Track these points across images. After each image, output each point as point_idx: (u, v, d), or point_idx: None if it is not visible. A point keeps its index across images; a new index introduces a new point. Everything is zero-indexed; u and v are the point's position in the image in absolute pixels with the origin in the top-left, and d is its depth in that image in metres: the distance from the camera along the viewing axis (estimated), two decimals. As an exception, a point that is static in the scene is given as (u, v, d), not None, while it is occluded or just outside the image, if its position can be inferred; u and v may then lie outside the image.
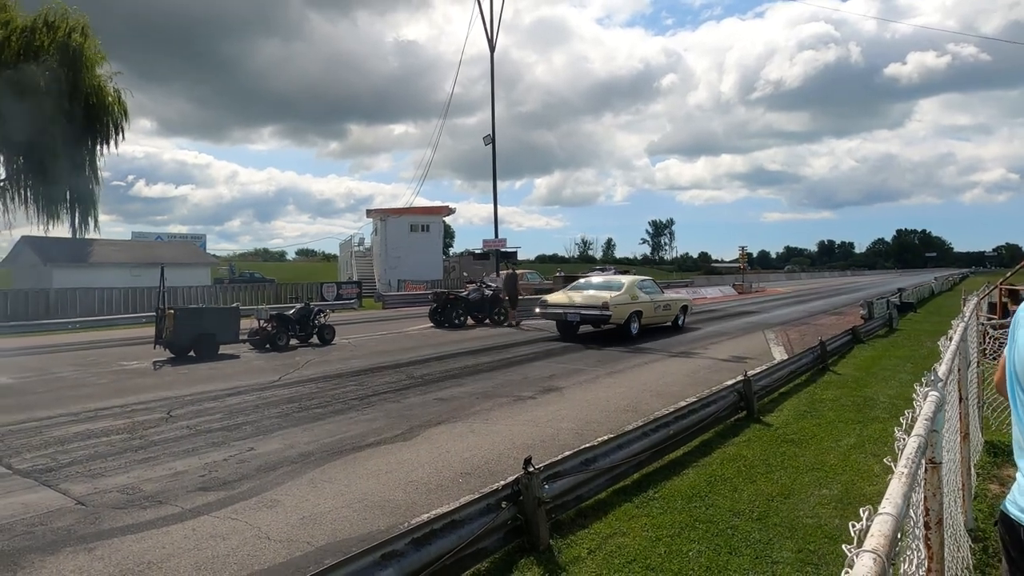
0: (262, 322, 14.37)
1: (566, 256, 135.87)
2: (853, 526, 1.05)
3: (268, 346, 14.05)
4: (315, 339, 15.14)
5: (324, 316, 15.70)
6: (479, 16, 28.54)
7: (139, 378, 10.74)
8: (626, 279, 17.13)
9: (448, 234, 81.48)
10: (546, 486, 4.20)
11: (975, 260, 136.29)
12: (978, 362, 6.06)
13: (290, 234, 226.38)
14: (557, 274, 38.25)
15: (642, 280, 17.35)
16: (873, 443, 6.34)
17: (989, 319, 9.77)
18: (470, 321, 19.68)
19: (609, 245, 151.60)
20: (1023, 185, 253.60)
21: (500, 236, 30.03)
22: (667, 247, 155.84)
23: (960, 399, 4.14)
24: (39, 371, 11.52)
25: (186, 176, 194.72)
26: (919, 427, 1.63)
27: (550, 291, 30.01)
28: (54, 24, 30.34)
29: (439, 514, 3.75)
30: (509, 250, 30.02)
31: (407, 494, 5.14)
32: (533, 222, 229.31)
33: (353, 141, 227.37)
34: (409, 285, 38.06)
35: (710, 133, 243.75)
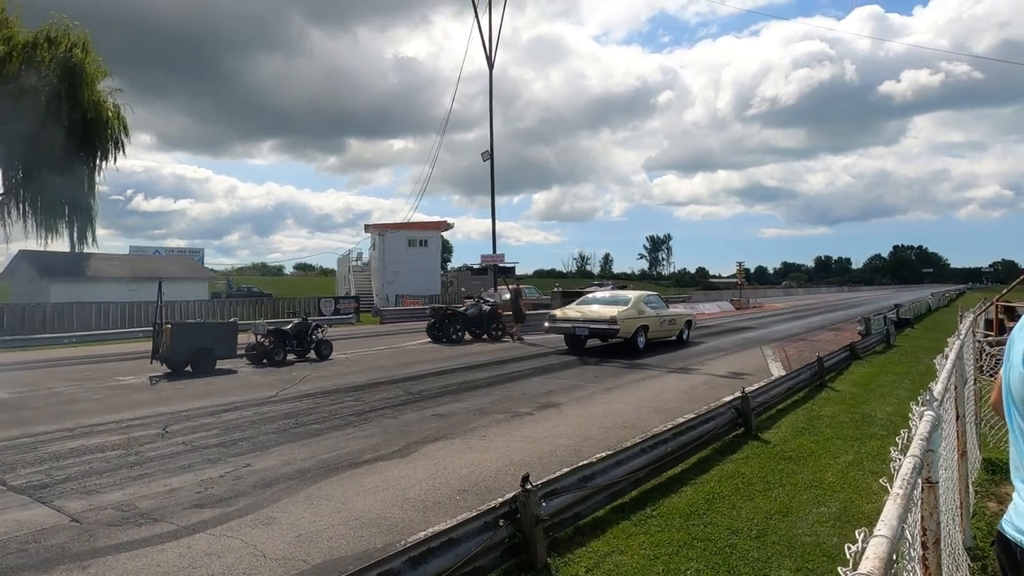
0: (259, 337, 14.34)
1: (564, 271, 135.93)
2: (849, 548, 1.05)
3: (265, 361, 14.02)
4: (312, 354, 15.11)
5: (322, 331, 15.68)
6: (478, 33, 28.76)
7: (135, 393, 10.70)
8: (632, 294, 17.48)
9: (446, 249, 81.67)
10: (544, 504, 4.18)
11: (972, 276, 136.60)
12: (975, 379, 6.08)
13: (288, 248, 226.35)
14: (555, 289, 38.27)
15: (648, 295, 17.84)
16: (871, 460, 6.33)
17: (986, 336, 9.80)
18: (468, 336, 19.67)
19: (607, 260, 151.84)
20: (1017, 201, 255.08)
21: (498, 251, 30.08)
22: (665, 262, 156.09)
23: (957, 417, 4.15)
24: (34, 386, 11.47)
25: (185, 190, 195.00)
26: (914, 447, 1.64)
27: (548, 306, 30.09)
28: (55, 40, 30.53)
29: (436, 532, 3.73)
30: (507, 265, 30.04)
31: (404, 511, 5.11)
32: (531, 237, 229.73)
33: (352, 156, 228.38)
34: (407, 300, 38.05)
35: (707, 149, 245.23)
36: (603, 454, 5.35)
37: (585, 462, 5.07)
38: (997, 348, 7.05)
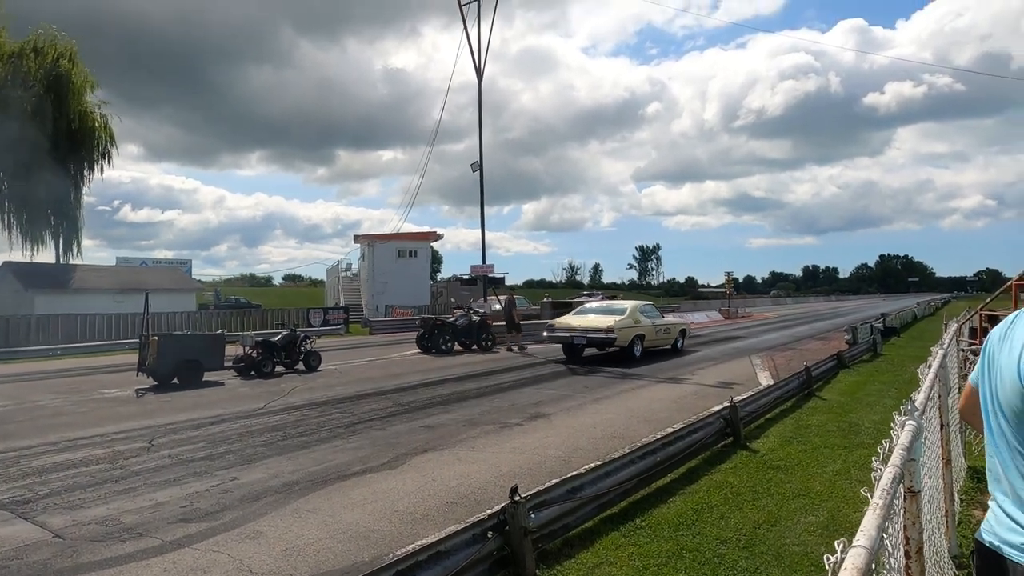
0: (247, 348, 14.24)
1: (554, 281, 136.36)
2: (828, 559, 1.07)
3: (253, 373, 13.92)
4: (301, 366, 15.02)
5: (310, 342, 15.60)
6: (467, 45, 28.93)
7: (121, 406, 10.59)
8: (629, 304, 17.92)
9: (436, 260, 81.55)
10: (532, 515, 4.17)
11: (957, 285, 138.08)
12: (959, 388, 6.13)
13: (277, 259, 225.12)
14: (544, 299, 38.35)
15: (644, 305, 18.43)
16: (858, 469, 6.36)
17: (970, 344, 9.89)
18: (457, 347, 19.63)
19: (596, 270, 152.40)
20: (1000, 211, 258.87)
21: (488, 262, 30.13)
22: (654, 272, 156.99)
23: (942, 426, 4.19)
24: (18, 399, 11.32)
25: (173, 201, 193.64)
26: (895, 457, 1.66)
27: (537, 316, 30.12)
28: (42, 50, 30.43)
29: (424, 545, 3.71)
30: (497, 276, 30.07)
31: (392, 524, 5.08)
32: (521, 247, 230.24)
33: (341, 167, 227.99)
34: (396, 311, 37.94)
35: (695, 160, 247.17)
36: (592, 465, 5.35)
37: (574, 473, 5.07)
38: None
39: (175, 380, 12.89)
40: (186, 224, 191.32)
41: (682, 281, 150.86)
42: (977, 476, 5.98)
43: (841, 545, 1.09)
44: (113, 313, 26.74)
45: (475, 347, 19.80)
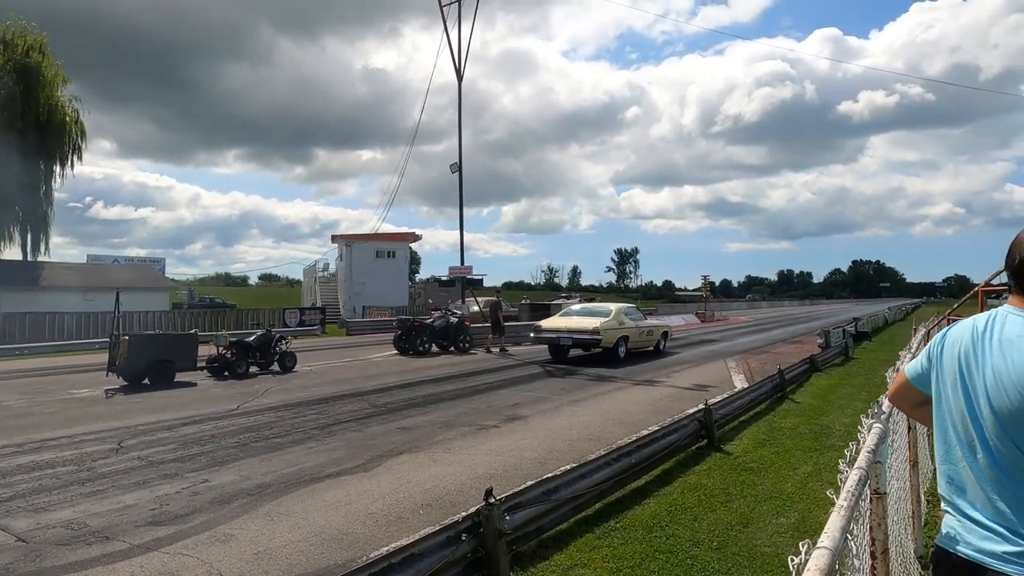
0: (221, 349, 14.04)
1: (532, 283, 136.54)
2: (792, 560, 1.08)
3: (227, 374, 13.72)
4: (276, 367, 14.84)
5: (286, 343, 15.43)
6: (447, 46, 28.86)
7: (90, 407, 10.37)
8: (613, 306, 18.27)
9: (414, 260, 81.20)
10: (507, 517, 4.17)
11: (926, 290, 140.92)
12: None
13: (253, 259, 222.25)
14: (523, 301, 38.37)
15: (627, 307, 18.91)
16: (829, 471, 6.46)
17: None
18: (435, 349, 19.56)
19: (575, 273, 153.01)
20: (969, 219, 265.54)
21: (466, 263, 30.01)
22: (632, 275, 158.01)
23: (909, 428, 4.27)
24: (-18, 399, 11.02)
25: (146, 199, 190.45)
26: (861, 460, 1.68)
27: (516, 318, 30.13)
28: (11, 42, 29.74)
29: (397, 547, 3.69)
30: (475, 277, 30.01)
31: (366, 527, 5.04)
32: (500, 249, 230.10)
33: (319, 166, 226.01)
34: (374, 312, 37.69)
35: (673, 164, 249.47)
36: (567, 467, 5.36)
37: (549, 475, 5.07)
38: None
39: (146, 380, 12.66)
40: (160, 222, 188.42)
41: (660, 284, 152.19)
42: (943, 478, 6.09)
43: (806, 546, 1.11)
44: (83, 312, 26.20)
45: (453, 348, 19.75)
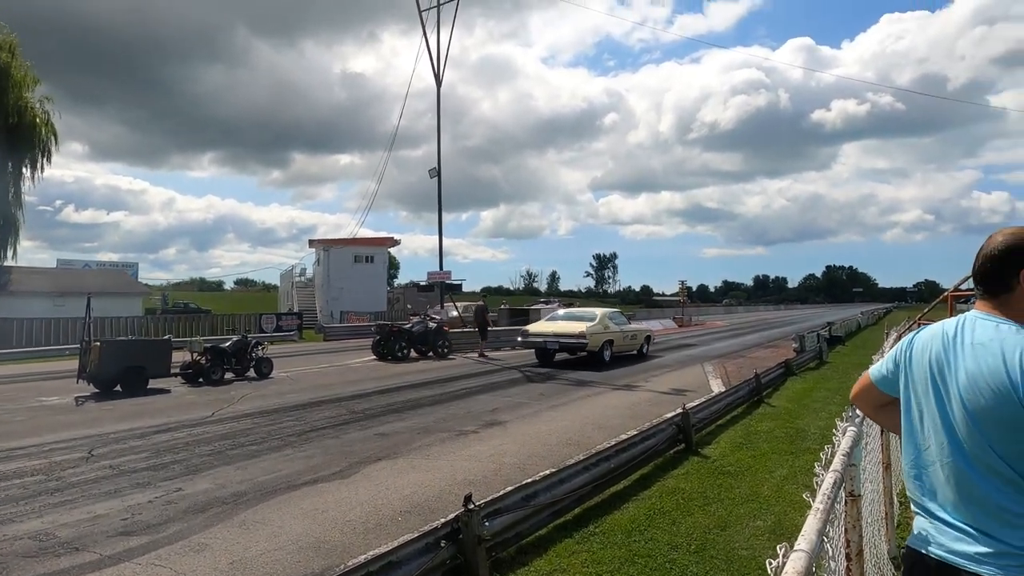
0: (196, 355, 13.83)
1: (511, 288, 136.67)
2: (770, 563, 1.09)
3: (201, 380, 13.51)
4: (252, 373, 14.65)
5: (262, 349, 15.24)
6: (426, 51, 28.82)
7: (59, 415, 10.13)
8: (599, 311, 18.56)
9: (393, 265, 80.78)
10: (486, 523, 4.15)
11: (897, 295, 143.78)
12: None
13: (229, 263, 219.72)
14: (502, 306, 38.38)
15: (612, 312, 19.24)
16: (804, 474, 6.53)
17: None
18: (414, 354, 19.47)
19: (554, 278, 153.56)
20: (938, 225, 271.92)
21: (445, 268, 29.91)
22: (611, 280, 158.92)
23: (882, 431, 4.34)
24: (-54, 408, 10.72)
25: (119, 202, 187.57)
26: (836, 463, 1.71)
27: (495, 323, 30.10)
28: (-21, 42, 29.03)
29: (376, 555, 3.65)
30: (454, 282, 29.94)
31: (344, 534, 4.99)
32: (479, 254, 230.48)
33: (297, 170, 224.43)
34: (352, 317, 37.39)
35: (650, 171, 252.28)
36: (546, 472, 5.35)
37: (529, 480, 5.07)
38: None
39: (118, 387, 12.40)
40: (133, 226, 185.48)
41: (638, 289, 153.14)
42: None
43: (783, 549, 1.12)
44: (52, 317, 25.68)
45: (431, 354, 19.68)
